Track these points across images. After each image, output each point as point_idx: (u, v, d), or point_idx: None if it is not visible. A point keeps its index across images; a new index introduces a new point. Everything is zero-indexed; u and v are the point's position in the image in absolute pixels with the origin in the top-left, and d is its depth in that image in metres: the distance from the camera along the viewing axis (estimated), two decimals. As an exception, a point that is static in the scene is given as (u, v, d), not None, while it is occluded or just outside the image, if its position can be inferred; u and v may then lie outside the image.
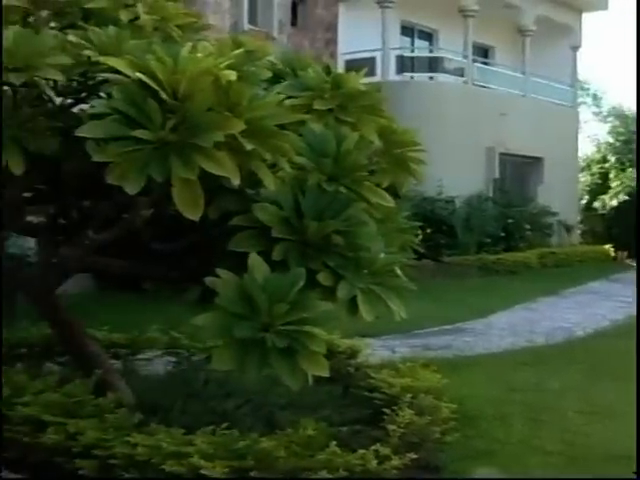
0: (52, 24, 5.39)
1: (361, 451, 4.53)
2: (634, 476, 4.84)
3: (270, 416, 5.43)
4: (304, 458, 4.41)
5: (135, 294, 9.66)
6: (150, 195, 4.55)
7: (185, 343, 7.28)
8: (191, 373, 6.50)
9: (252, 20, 18.91)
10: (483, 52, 25.53)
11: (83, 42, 4.72)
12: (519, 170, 23.67)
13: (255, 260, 4.21)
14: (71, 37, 4.98)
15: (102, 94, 4.89)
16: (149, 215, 5.05)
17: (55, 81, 4.87)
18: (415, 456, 4.81)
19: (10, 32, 4.62)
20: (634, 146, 25.87)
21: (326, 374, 4.21)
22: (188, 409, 5.42)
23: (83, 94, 5.27)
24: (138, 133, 3.94)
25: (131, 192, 3.99)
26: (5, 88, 4.84)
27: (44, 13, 5.37)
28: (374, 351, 8.01)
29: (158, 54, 4.10)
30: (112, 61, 4.19)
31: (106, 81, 4.62)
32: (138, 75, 4.03)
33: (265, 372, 4.26)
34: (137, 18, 5.19)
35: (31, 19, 5.33)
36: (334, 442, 4.55)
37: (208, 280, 4.19)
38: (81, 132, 4.05)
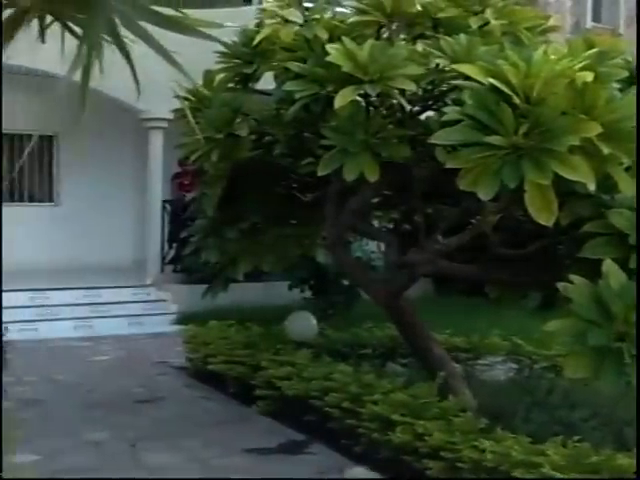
0: (402, 35, 5.57)
1: None
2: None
3: (620, 431, 5.17)
4: (665, 480, 4.15)
5: (473, 299, 9.68)
6: (498, 200, 4.54)
7: (527, 350, 7.18)
8: (534, 381, 6.38)
9: (595, 17, 18.31)
10: None
11: (434, 51, 4.82)
12: None
13: (610, 266, 4.03)
14: (419, 47, 5.12)
15: (448, 101, 4.97)
16: (496, 220, 5.05)
17: (403, 90, 5.02)
18: None
19: (366, 45, 4.84)
20: None
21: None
22: (532, 417, 5.31)
23: (430, 102, 5.39)
24: (492, 139, 3.94)
25: (484, 198, 3.99)
26: (358, 99, 5.08)
27: (394, 25, 5.56)
28: None
29: (511, 58, 4.07)
30: (464, 68, 4.23)
31: (454, 88, 4.69)
32: (490, 80, 4.03)
33: (620, 383, 4.06)
34: (486, 24, 5.21)
35: (383, 31, 5.55)
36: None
37: (561, 286, 4.08)
38: (435, 139, 4.13)
